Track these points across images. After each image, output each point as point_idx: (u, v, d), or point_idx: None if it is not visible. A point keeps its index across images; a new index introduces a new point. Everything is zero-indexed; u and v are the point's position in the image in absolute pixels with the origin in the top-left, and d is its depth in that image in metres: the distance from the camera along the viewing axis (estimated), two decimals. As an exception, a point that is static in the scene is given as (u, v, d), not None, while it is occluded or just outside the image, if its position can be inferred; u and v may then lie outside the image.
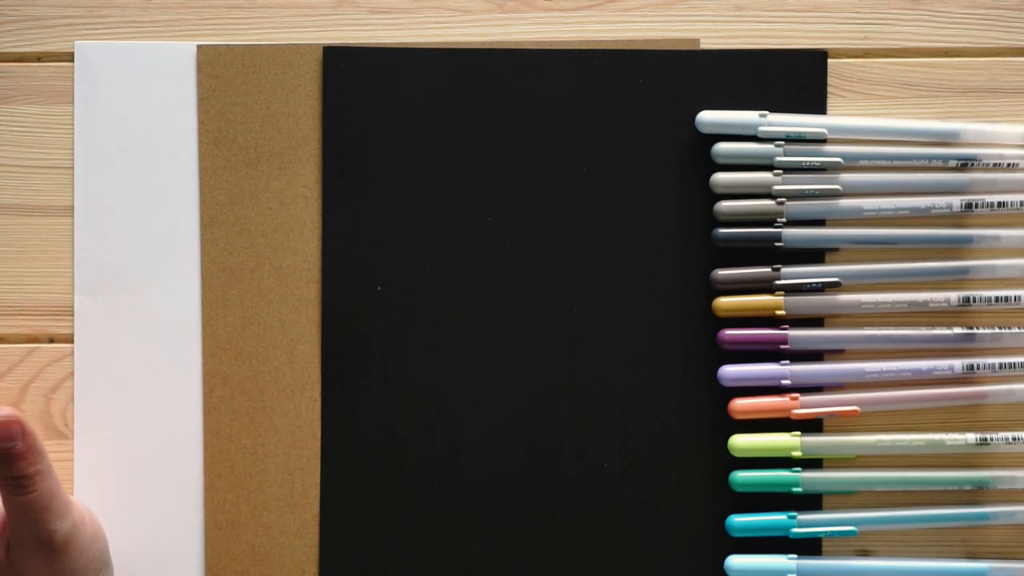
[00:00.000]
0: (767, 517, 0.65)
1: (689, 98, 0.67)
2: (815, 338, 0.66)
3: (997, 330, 0.65)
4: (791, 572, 0.65)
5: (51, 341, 0.67)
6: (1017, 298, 0.65)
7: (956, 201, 0.65)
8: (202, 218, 0.67)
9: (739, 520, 0.65)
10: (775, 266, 0.66)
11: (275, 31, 0.68)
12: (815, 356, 0.66)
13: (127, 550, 0.66)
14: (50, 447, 0.65)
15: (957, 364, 0.65)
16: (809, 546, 0.66)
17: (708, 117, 0.66)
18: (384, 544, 0.67)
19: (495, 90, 0.67)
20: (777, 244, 0.65)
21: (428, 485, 0.67)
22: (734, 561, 0.65)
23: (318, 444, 0.67)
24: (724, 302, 0.66)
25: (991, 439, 0.65)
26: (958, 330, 0.65)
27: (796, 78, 0.67)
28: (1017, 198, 0.65)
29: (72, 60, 0.68)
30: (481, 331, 0.67)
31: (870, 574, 0.65)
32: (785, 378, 0.65)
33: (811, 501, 0.66)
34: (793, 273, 0.65)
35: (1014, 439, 0.65)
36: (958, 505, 0.66)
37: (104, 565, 0.63)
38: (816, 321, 0.66)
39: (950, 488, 0.66)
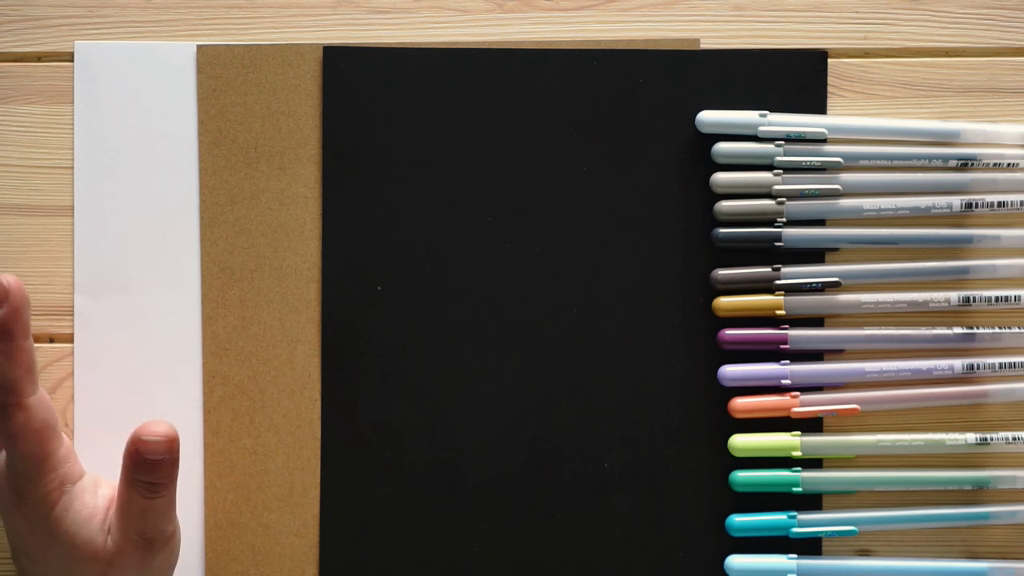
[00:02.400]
0: (767, 517, 0.65)
1: (689, 98, 0.67)
2: (815, 338, 0.66)
3: (997, 330, 0.65)
4: (791, 572, 0.65)
5: (51, 341, 0.67)
6: (1017, 298, 0.65)
7: (956, 201, 0.65)
8: (202, 218, 0.67)
9: (739, 520, 0.65)
10: (775, 266, 0.66)
11: (275, 31, 0.68)
12: (815, 356, 0.66)
13: (127, 550, 0.66)
14: (50, 447, 0.65)
15: (957, 364, 0.65)
16: (809, 546, 0.66)
17: (708, 117, 0.66)
18: (384, 544, 0.67)
19: (495, 90, 0.67)
20: (777, 244, 0.65)
21: (428, 485, 0.67)
22: (734, 561, 0.65)
23: (318, 444, 0.67)
24: (724, 302, 0.66)
25: (991, 439, 0.65)
26: (958, 330, 0.65)
27: (796, 78, 0.67)
28: (1017, 198, 0.65)
29: (72, 60, 0.68)
30: (481, 331, 0.67)
31: (870, 574, 0.65)
32: (785, 378, 0.65)
33: (811, 501, 0.66)
34: (793, 273, 0.65)
35: (1014, 439, 0.65)
36: (958, 505, 0.66)
37: (176, 564, 0.64)
38: (816, 321, 0.66)
39: (950, 488, 0.66)
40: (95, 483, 0.62)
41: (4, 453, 0.60)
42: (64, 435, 0.61)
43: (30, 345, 0.58)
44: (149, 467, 0.59)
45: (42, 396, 0.59)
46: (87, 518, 0.60)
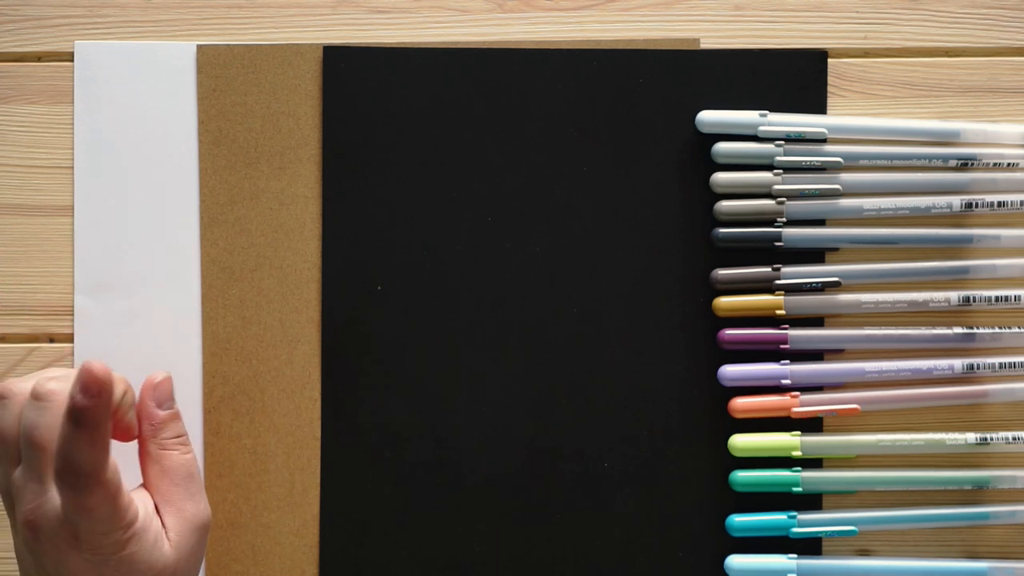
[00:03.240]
0: (767, 517, 0.65)
1: (689, 98, 0.67)
2: (815, 338, 0.66)
3: (997, 330, 0.65)
4: (791, 572, 0.65)
5: (51, 341, 0.68)
6: (1017, 298, 0.65)
7: (956, 201, 0.65)
8: (202, 218, 0.67)
9: (739, 520, 0.65)
10: (775, 266, 0.66)
11: (275, 31, 0.68)
12: (815, 356, 0.66)
13: (127, 550, 0.66)
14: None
15: (957, 364, 0.65)
16: (809, 546, 0.66)
17: (708, 117, 0.66)
18: (384, 544, 0.67)
19: (495, 90, 0.67)
20: (777, 244, 0.65)
21: (428, 485, 0.67)
22: (734, 561, 0.65)
23: (318, 444, 0.67)
24: (724, 302, 0.66)
25: (991, 439, 0.65)
26: (958, 330, 0.65)
27: (796, 78, 0.67)
28: (1017, 198, 0.65)
29: (72, 60, 0.68)
30: (481, 331, 0.67)
31: (870, 574, 0.65)
32: (785, 378, 0.65)
33: (811, 501, 0.66)
34: (793, 273, 0.65)
35: (1014, 439, 0.65)
36: (958, 505, 0.66)
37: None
38: (816, 321, 0.66)
39: (950, 488, 0.66)
40: (144, 506, 0.61)
41: (55, 498, 0.58)
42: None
43: (109, 425, 0.57)
44: (173, 418, 0.62)
45: (112, 464, 0.57)
46: (153, 542, 0.60)
